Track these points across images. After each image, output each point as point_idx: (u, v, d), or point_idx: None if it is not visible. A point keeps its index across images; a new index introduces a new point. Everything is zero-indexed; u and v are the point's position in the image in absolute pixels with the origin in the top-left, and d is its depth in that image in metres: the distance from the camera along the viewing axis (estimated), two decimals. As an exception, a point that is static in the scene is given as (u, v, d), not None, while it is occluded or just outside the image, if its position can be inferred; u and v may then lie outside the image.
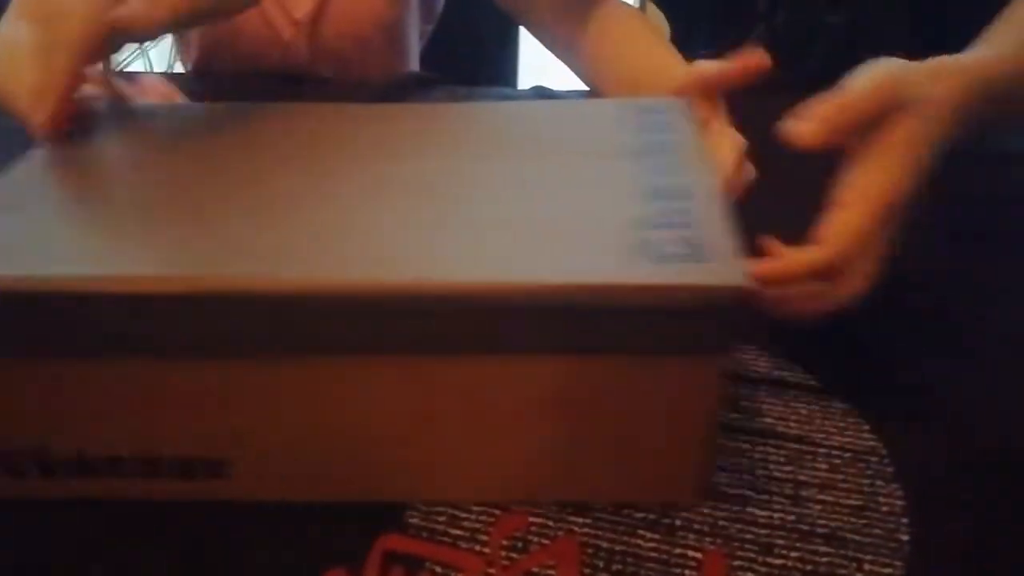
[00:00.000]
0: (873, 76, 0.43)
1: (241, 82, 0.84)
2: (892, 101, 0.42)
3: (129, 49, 1.83)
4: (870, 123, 0.42)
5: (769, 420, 0.44)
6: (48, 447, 0.38)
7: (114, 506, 0.39)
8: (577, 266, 0.33)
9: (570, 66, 0.74)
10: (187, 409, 0.37)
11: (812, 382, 0.46)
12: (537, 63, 1.03)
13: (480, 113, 0.50)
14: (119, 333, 0.35)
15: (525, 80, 1.11)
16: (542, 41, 0.76)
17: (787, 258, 0.41)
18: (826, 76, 0.65)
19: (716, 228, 0.35)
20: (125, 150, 0.47)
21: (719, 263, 0.33)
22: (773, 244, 0.42)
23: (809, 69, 0.80)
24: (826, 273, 0.40)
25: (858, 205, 0.41)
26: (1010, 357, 0.48)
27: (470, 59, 0.98)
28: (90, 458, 0.38)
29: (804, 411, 0.44)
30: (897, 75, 0.43)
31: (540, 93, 0.84)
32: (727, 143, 0.46)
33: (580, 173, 0.40)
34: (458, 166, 0.42)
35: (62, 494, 0.39)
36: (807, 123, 0.41)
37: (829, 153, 0.42)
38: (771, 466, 0.41)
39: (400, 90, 0.83)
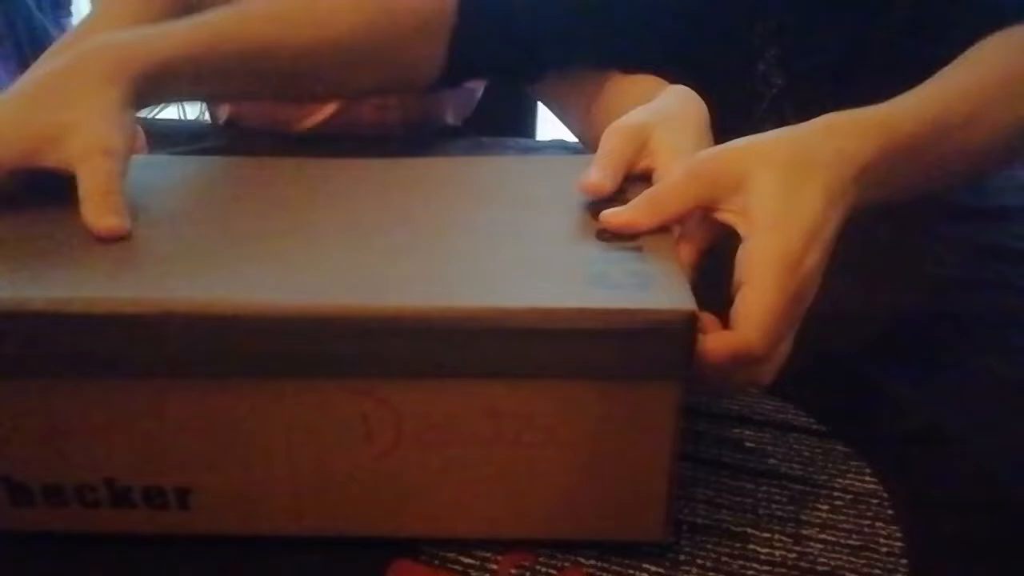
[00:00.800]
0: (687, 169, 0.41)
1: (268, 138, 0.87)
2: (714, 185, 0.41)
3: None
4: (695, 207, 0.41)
5: (773, 461, 0.45)
6: (11, 476, 0.38)
7: (113, 544, 0.40)
8: (536, 293, 0.35)
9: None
10: (153, 436, 0.37)
11: (815, 425, 0.48)
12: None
13: (464, 166, 0.53)
14: (78, 354, 0.35)
15: (543, 130, 1.15)
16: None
17: (709, 342, 0.37)
18: None
19: (664, 263, 0.38)
20: None
21: (668, 291, 0.35)
22: (709, 320, 0.39)
23: None
24: (745, 359, 0.38)
25: (763, 280, 0.38)
26: (1011, 403, 0.49)
27: (491, 111, 1.01)
28: (62, 486, 0.39)
29: (807, 453, 0.46)
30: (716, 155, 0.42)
31: (562, 146, 0.87)
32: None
33: (545, 220, 0.43)
34: (437, 211, 0.45)
35: (31, 526, 0.40)
36: (624, 214, 0.40)
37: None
38: (774, 505, 0.42)
39: (424, 140, 0.87)
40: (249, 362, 0.36)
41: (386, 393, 0.36)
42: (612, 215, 0.40)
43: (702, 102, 0.53)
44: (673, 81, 0.59)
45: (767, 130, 0.50)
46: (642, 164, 0.45)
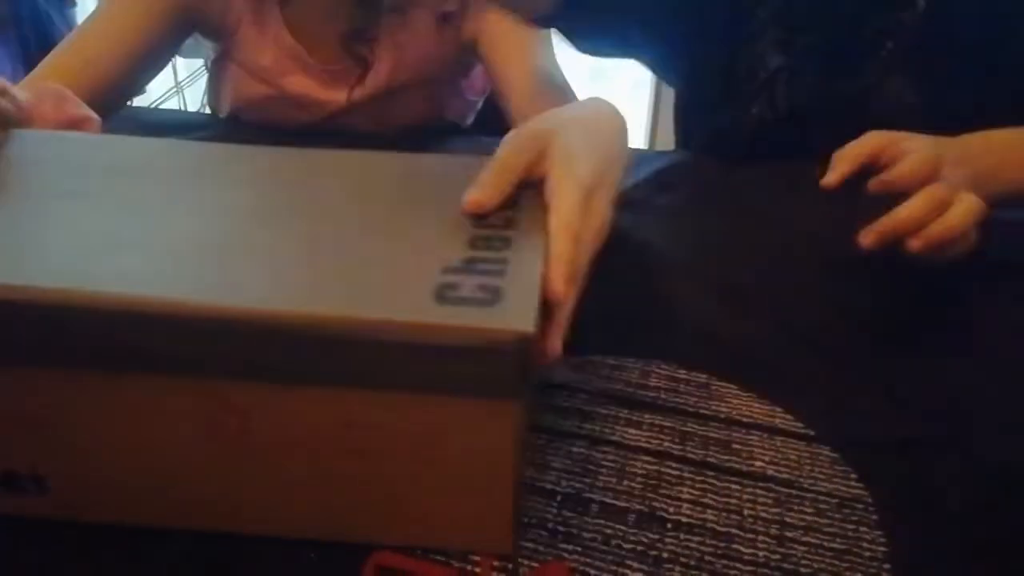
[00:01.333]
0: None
1: (268, 134, 0.87)
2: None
3: (166, 87, 1.88)
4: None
5: (759, 464, 0.45)
6: None
7: (109, 537, 0.40)
8: (372, 303, 0.34)
9: None
10: (9, 421, 0.37)
11: (803, 430, 0.48)
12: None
13: (375, 160, 0.48)
14: None
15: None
16: None
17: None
18: (830, 143, 0.69)
19: (522, 278, 0.36)
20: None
21: (512, 310, 0.34)
22: None
23: (812, 137, 0.82)
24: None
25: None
26: (994, 418, 0.49)
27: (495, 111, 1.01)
28: None
29: (794, 457, 0.46)
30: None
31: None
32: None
33: (417, 220, 0.41)
34: (316, 206, 0.43)
35: None
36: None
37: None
38: (759, 507, 0.42)
39: (419, 137, 0.87)
40: (94, 354, 0.35)
41: (232, 395, 0.36)
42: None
43: (619, 113, 0.55)
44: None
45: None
46: (538, 171, 0.44)
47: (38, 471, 0.39)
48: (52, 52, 0.79)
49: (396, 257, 0.38)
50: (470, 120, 1.00)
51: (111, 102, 0.78)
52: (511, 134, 0.46)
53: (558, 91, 0.81)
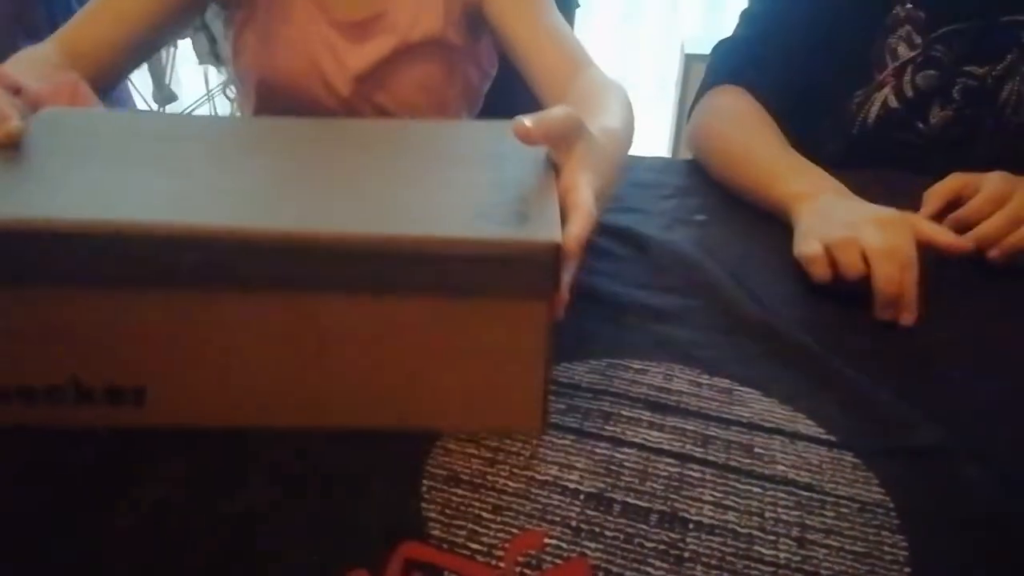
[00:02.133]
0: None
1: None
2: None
3: (198, 95, 1.91)
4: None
5: (781, 468, 0.46)
6: None
7: (140, 511, 0.42)
8: (435, 225, 0.43)
9: None
10: (111, 340, 0.44)
11: (826, 436, 0.48)
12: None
13: (392, 127, 0.60)
14: (50, 267, 0.42)
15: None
16: None
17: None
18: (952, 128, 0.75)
19: (544, 213, 0.45)
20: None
21: (542, 229, 0.43)
22: None
23: (936, 121, 0.86)
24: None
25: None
26: (1017, 427, 0.50)
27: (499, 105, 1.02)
28: (33, 386, 0.45)
29: (815, 461, 0.46)
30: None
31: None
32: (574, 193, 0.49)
33: (462, 173, 0.50)
34: (361, 160, 0.52)
35: (9, 420, 0.45)
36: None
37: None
38: (780, 510, 0.43)
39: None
40: (195, 276, 0.42)
41: (312, 310, 0.43)
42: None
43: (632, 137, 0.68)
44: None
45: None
46: (562, 146, 0.51)
47: (138, 384, 0.45)
48: (68, 24, 0.81)
49: (447, 195, 0.47)
50: (483, 92, 1.01)
51: (115, 80, 0.82)
52: (565, 108, 0.52)
53: (565, 42, 0.83)
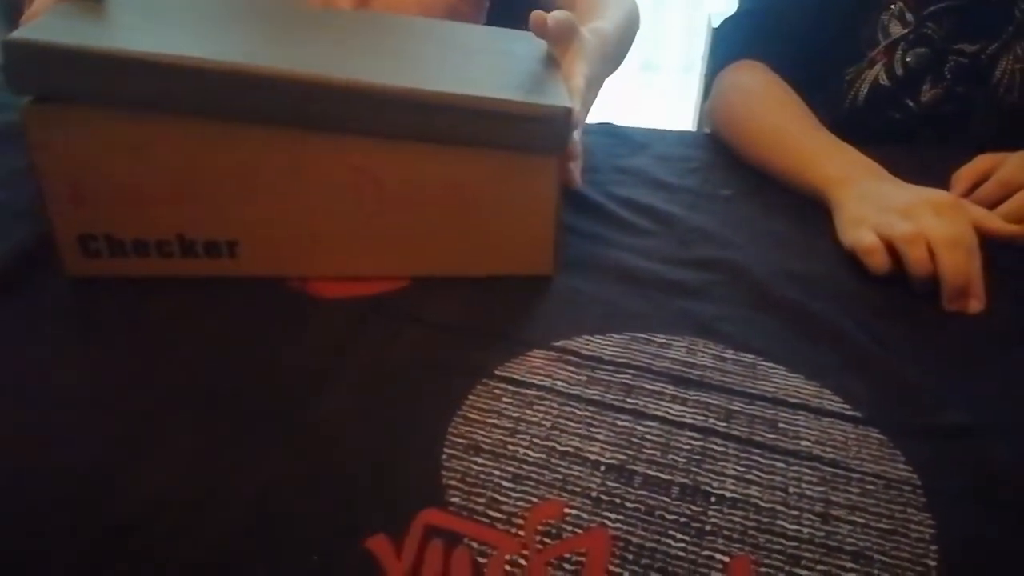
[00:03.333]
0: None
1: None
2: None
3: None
4: None
5: (806, 443, 0.45)
6: (114, 233, 0.54)
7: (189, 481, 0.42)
8: (471, 88, 0.52)
9: None
10: (209, 196, 0.53)
11: (852, 412, 0.47)
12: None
13: (415, 23, 0.70)
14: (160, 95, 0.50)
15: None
16: None
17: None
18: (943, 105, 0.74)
19: (554, 83, 0.56)
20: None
21: (555, 97, 0.53)
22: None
23: (927, 99, 0.85)
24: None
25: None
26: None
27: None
28: (145, 239, 0.55)
29: (841, 438, 0.45)
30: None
31: (608, 131, 0.87)
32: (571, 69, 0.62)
33: (475, 56, 0.60)
34: (399, 42, 0.62)
35: (126, 271, 0.55)
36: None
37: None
38: (804, 485, 0.42)
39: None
40: (285, 115, 0.50)
41: (371, 155, 0.52)
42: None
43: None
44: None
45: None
46: (564, 40, 0.62)
47: (231, 238, 0.55)
48: None
49: (473, 71, 0.57)
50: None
51: None
52: (565, 13, 0.61)
53: None
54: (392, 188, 0.53)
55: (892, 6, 0.86)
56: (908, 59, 0.86)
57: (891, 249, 0.59)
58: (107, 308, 0.55)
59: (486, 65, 0.58)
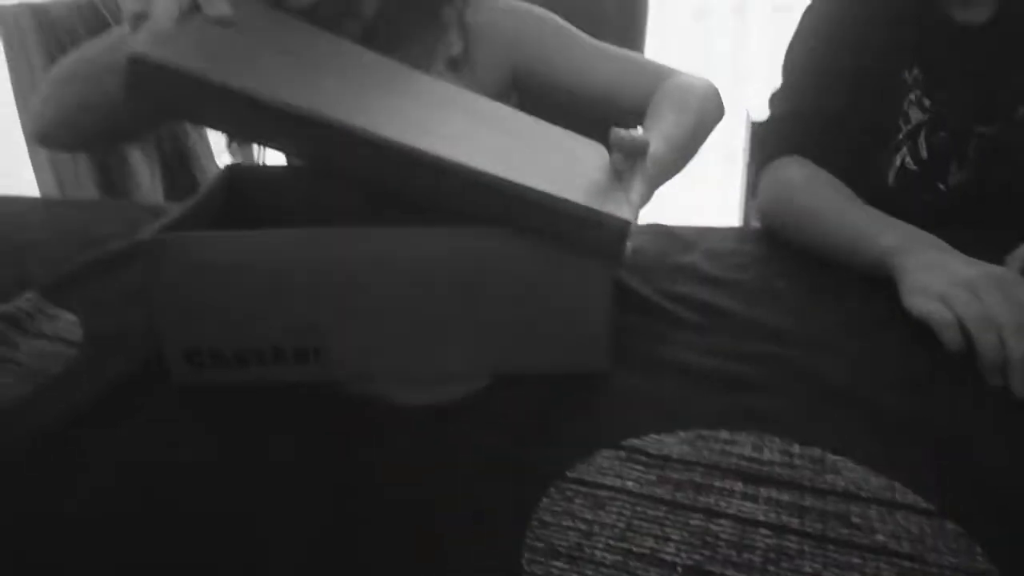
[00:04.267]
0: None
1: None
2: None
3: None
4: None
5: (881, 538, 0.45)
6: (219, 347, 0.60)
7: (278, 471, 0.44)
8: (547, 186, 0.55)
9: None
10: (300, 308, 0.59)
11: (923, 504, 0.48)
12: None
13: (501, 111, 0.71)
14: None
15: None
16: None
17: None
18: (974, 187, 0.77)
19: (615, 193, 0.59)
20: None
21: (618, 208, 0.56)
22: None
23: (956, 181, 0.87)
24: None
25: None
26: None
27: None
28: (244, 351, 0.60)
29: (915, 530, 0.46)
30: None
31: (658, 231, 0.90)
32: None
33: (551, 154, 0.64)
34: (511, 137, 0.65)
35: (227, 381, 0.60)
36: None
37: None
38: (883, 581, 0.42)
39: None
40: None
41: (453, 240, 0.57)
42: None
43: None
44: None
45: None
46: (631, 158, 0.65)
47: (317, 346, 0.60)
48: None
49: (549, 171, 0.60)
50: None
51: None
52: (643, 136, 0.64)
53: (641, 61, 0.94)
54: (459, 282, 0.58)
55: (911, 93, 0.90)
56: (932, 142, 0.89)
57: (964, 328, 0.60)
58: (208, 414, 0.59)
59: (558, 165, 0.62)
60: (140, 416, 0.58)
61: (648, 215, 0.92)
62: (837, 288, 0.75)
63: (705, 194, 2.86)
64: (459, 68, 0.95)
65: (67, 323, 0.72)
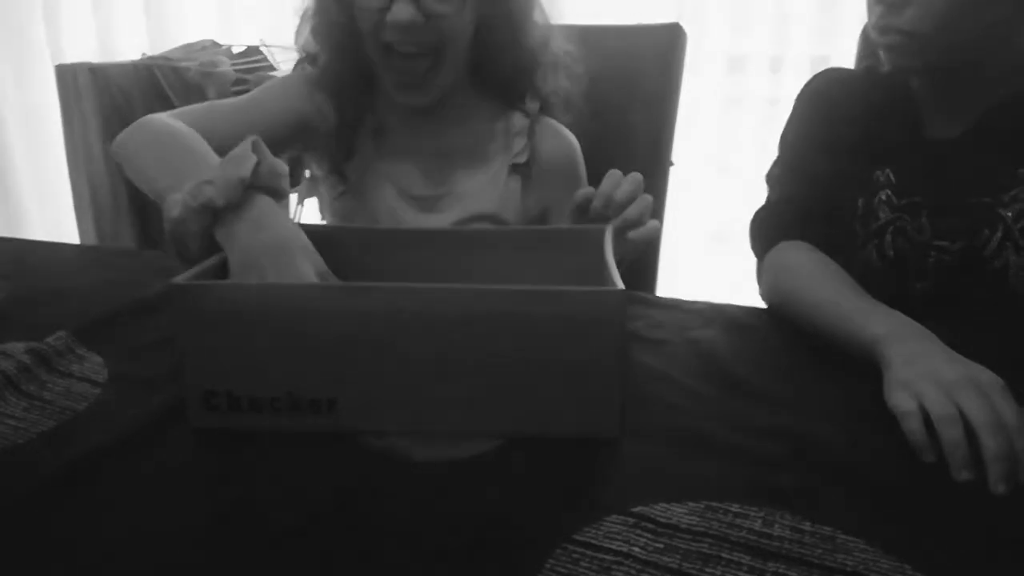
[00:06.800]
0: None
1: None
2: None
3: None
4: None
5: (890, 620, 0.44)
6: (235, 392, 0.62)
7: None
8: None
9: None
10: (317, 359, 0.61)
11: (936, 589, 0.47)
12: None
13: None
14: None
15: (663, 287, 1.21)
16: None
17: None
18: (939, 294, 0.76)
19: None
20: None
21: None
22: None
23: (921, 288, 0.86)
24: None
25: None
26: None
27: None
28: (259, 397, 0.62)
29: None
30: None
31: (676, 305, 0.91)
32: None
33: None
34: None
35: (242, 426, 0.62)
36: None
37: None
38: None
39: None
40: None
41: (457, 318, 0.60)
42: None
43: None
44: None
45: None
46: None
47: (332, 397, 0.62)
48: (194, 111, 0.96)
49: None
50: None
51: None
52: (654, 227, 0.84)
53: None
54: (473, 343, 0.60)
55: (881, 192, 0.91)
56: (897, 245, 0.89)
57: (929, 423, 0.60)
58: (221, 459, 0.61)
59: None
60: (154, 458, 0.59)
61: (670, 289, 0.94)
62: (856, 366, 0.75)
63: (732, 269, 2.87)
64: (521, 175, 1.07)
65: (94, 364, 0.74)
